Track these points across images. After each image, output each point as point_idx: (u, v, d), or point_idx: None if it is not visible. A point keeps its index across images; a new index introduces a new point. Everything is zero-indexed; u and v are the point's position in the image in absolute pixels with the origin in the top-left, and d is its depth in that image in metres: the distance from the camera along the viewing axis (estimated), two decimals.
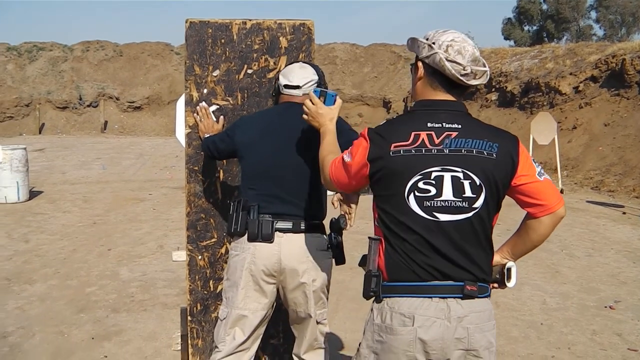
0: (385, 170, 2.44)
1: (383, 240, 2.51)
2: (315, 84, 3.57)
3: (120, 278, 7.35)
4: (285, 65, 3.85)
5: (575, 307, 6.52)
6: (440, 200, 2.42)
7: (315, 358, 3.59)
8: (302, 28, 4.13)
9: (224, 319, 3.55)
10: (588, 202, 13.37)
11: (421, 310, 2.41)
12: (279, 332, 4.10)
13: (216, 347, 3.57)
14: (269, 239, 3.42)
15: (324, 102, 3.00)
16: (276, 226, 3.43)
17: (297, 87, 3.55)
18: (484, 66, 2.50)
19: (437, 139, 2.43)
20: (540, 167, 2.54)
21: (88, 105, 34.98)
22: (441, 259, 2.43)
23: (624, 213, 12.03)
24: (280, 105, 3.65)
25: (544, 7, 48.65)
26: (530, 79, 22.40)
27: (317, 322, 3.51)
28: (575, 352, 5.36)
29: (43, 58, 36.48)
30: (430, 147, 2.42)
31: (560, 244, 9.20)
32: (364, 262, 2.64)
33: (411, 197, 2.42)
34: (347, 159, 2.56)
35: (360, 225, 9.34)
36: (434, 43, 2.47)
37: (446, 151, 2.42)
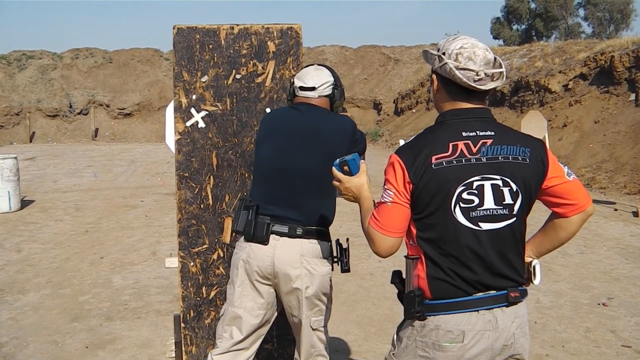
0: (430, 185, 2.37)
1: (423, 259, 2.45)
2: (332, 86, 3.57)
3: (113, 286, 7.32)
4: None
5: (568, 305, 6.53)
6: (483, 210, 2.39)
7: None
8: (289, 32, 4.13)
9: (222, 315, 3.58)
10: None
11: (469, 326, 2.40)
12: (272, 337, 4.09)
13: (215, 343, 3.59)
14: (262, 241, 3.41)
15: (350, 170, 2.79)
16: (273, 229, 3.41)
17: (313, 88, 3.53)
18: (500, 67, 2.46)
19: (474, 147, 2.40)
20: (567, 167, 2.53)
21: (78, 113, 34.97)
22: (485, 270, 2.41)
23: (616, 210, 12.05)
24: (296, 105, 3.62)
25: (533, 5, 48.83)
26: (520, 78, 22.49)
27: (314, 329, 3.47)
28: (569, 350, 5.36)
29: (32, 66, 36.45)
30: (469, 156, 2.38)
31: None
32: (396, 279, 2.62)
33: (457, 208, 2.38)
34: (386, 199, 2.45)
35: (353, 227, 9.38)
36: (444, 53, 2.44)
37: (484, 159, 2.39)
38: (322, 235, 3.47)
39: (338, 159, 2.82)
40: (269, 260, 3.40)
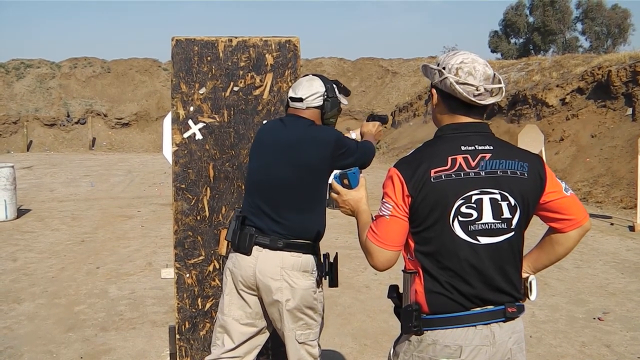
0: (428, 198, 2.37)
1: (421, 273, 2.44)
2: (322, 97, 3.54)
3: (109, 296, 7.31)
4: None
5: (564, 319, 6.53)
6: (482, 224, 2.39)
7: None
8: (287, 45, 4.15)
9: (215, 322, 3.62)
10: None
11: (467, 341, 2.39)
12: (267, 350, 4.08)
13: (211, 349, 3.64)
14: (245, 252, 3.44)
15: (350, 183, 2.76)
16: (256, 240, 3.43)
17: (300, 99, 3.52)
18: (500, 82, 2.47)
19: (473, 161, 2.40)
20: (564, 182, 2.53)
21: (76, 122, 34.99)
22: (483, 284, 2.40)
23: (612, 224, 12.05)
24: (283, 117, 3.64)
25: (531, 19, 49.06)
26: (517, 92, 22.51)
27: (300, 342, 3.47)
28: None
29: (31, 75, 36.49)
30: (467, 170, 2.38)
31: None
32: (393, 293, 2.61)
33: (455, 222, 2.38)
34: (385, 212, 2.45)
35: (349, 239, 9.39)
36: (444, 68, 2.44)
37: (482, 173, 2.39)
38: (305, 248, 3.45)
39: (339, 172, 2.81)
40: (251, 271, 3.42)
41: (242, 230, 3.47)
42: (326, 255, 3.52)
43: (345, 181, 2.77)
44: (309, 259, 3.45)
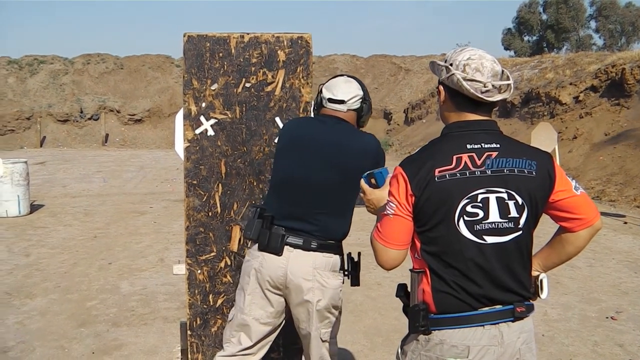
0: (433, 198, 2.35)
1: (428, 272, 2.42)
2: (360, 100, 3.52)
3: (120, 292, 7.34)
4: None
5: (576, 318, 6.49)
6: (488, 223, 2.37)
7: None
8: (299, 41, 4.13)
9: (231, 320, 3.58)
10: None
11: (474, 341, 2.37)
12: (279, 346, 4.08)
13: (223, 346, 3.61)
14: (276, 252, 3.39)
15: (376, 183, 2.76)
16: (287, 240, 3.39)
17: (342, 101, 3.48)
18: (508, 79, 2.45)
19: (479, 160, 2.37)
20: (575, 181, 2.50)
21: (89, 118, 35.11)
22: (491, 284, 2.38)
23: (625, 223, 11.99)
24: (319, 117, 3.58)
25: (544, 17, 48.88)
26: (530, 89, 22.48)
27: (323, 340, 3.46)
28: None
29: (44, 71, 36.62)
30: (473, 169, 2.35)
31: None
32: (401, 292, 2.59)
33: (461, 221, 2.35)
34: (389, 211, 2.45)
35: (361, 237, 9.36)
36: (451, 64, 2.42)
37: (489, 172, 2.36)
38: (335, 248, 3.45)
39: (367, 172, 2.81)
40: (281, 271, 3.38)
41: (271, 230, 3.42)
42: (350, 255, 3.50)
43: (373, 180, 2.77)
44: (338, 259, 3.45)
